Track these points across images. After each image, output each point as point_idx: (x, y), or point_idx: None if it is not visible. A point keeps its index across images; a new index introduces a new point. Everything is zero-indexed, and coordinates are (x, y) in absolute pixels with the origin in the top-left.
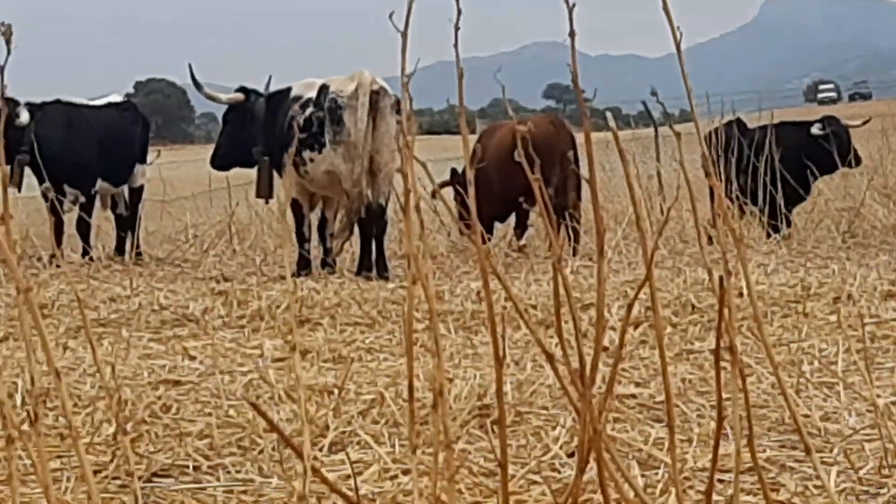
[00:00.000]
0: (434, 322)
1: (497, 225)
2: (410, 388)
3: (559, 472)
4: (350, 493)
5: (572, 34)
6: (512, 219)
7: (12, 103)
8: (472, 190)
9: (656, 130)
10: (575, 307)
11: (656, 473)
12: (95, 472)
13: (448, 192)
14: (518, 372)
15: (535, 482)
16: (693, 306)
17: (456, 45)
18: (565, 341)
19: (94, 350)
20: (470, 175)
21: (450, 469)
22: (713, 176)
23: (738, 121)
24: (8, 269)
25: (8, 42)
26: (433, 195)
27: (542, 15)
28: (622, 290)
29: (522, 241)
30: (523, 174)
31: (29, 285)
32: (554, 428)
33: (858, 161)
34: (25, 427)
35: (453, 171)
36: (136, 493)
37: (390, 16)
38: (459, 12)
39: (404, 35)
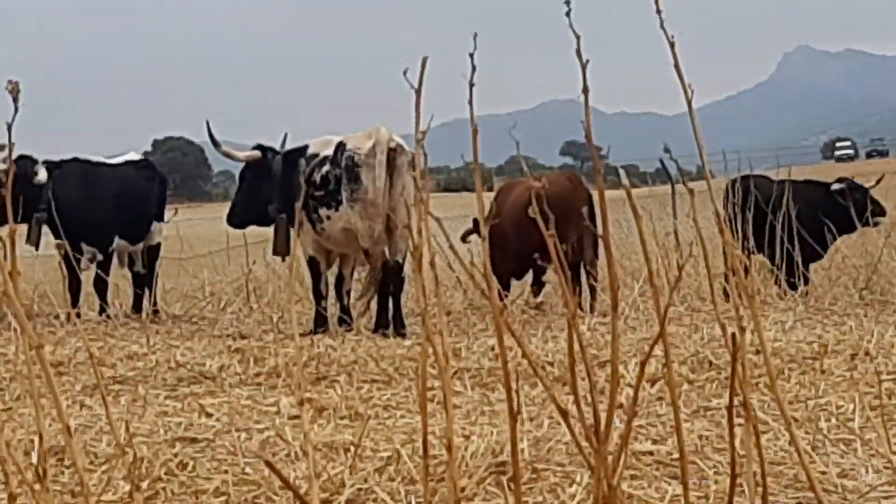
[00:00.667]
0: (444, 378)
1: (514, 282)
2: (425, 444)
3: None
4: None
5: (586, 90)
6: (529, 276)
7: (30, 161)
8: (486, 246)
9: (673, 187)
10: (590, 364)
11: None
12: None
13: (468, 245)
14: (535, 429)
15: None
16: (710, 363)
17: (471, 102)
18: (581, 398)
19: (108, 407)
20: (484, 232)
21: None
22: (726, 232)
23: (752, 177)
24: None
25: (15, 100)
26: (463, 238)
27: (560, 72)
28: (639, 346)
29: (539, 298)
30: (539, 231)
31: (40, 342)
32: (570, 485)
33: (883, 213)
34: (35, 485)
35: (475, 220)
36: None
37: (405, 73)
38: (474, 69)
39: (418, 92)
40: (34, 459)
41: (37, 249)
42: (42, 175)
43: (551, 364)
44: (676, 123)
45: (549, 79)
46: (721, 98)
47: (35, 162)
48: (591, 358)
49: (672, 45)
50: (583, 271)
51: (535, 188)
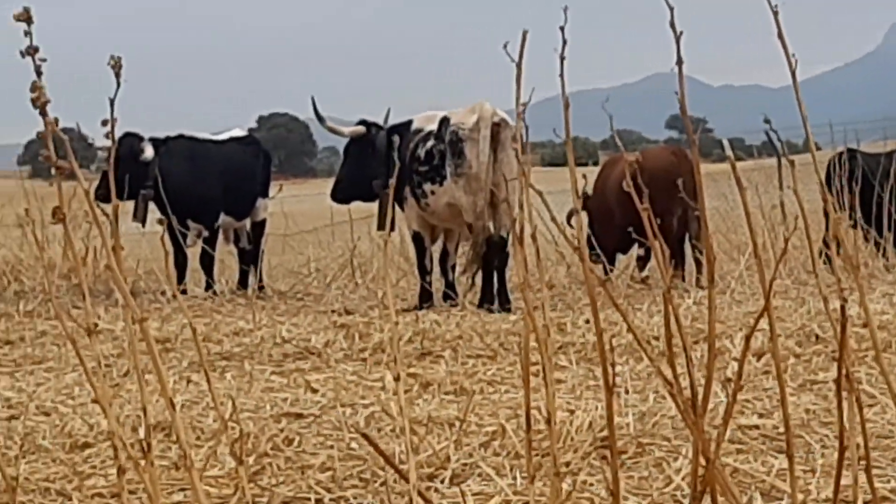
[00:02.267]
0: (543, 351)
1: (619, 256)
2: (528, 419)
3: None
4: None
5: (680, 63)
6: (634, 250)
7: (136, 138)
8: (579, 219)
9: (780, 160)
10: (691, 337)
11: None
12: None
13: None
14: (640, 403)
15: None
16: (817, 337)
17: (562, 76)
18: (683, 371)
19: (211, 383)
20: (579, 206)
21: (559, 499)
22: (828, 203)
23: (855, 150)
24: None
25: (118, 76)
26: (569, 219)
27: (665, 45)
28: (745, 320)
29: (644, 273)
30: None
31: (143, 316)
32: (676, 459)
33: None
34: (141, 460)
35: (585, 194)
36: None
37: (504, 46)
38: (565, 42)
39: (519, 65)
40: (141, 435)
41: (143, 226)
42: (148, 152)
43: (656, 338)
44: (783, 96)
45: (655, 52)
46: (829, 69)
47: (141, 139)
48: (695, 332)
49: (776, 14)
50: (688, 245)
51: (631, 162)
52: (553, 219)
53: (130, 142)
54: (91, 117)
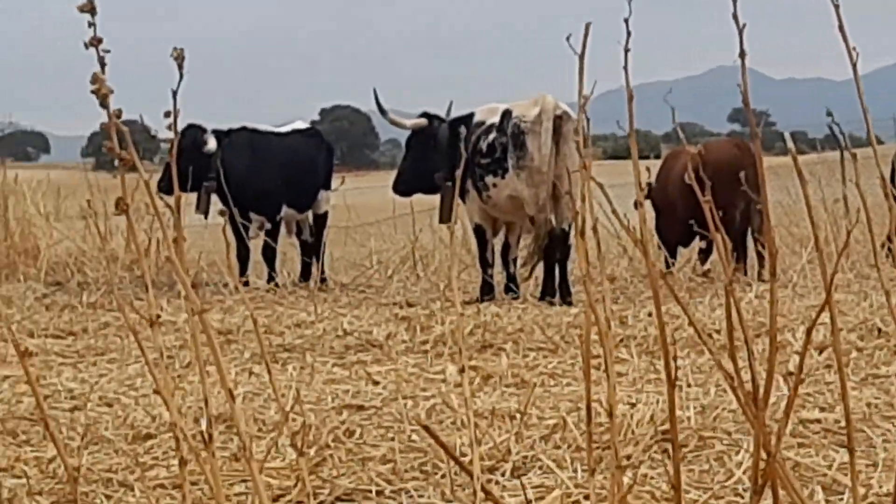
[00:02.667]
0: (605, 345)
1: (681, 249)
2: (588, 412)
3: (741, 498)
4: None
5: (742, 55)
6: (696, 243)
7: (200, 131)
8: (642, 213)
9: (842, 153)
10: (752, 331)
11: (840, 499)
12: (279, 497)
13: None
14: (701, 396)
15: None
16: (879, 330)
17: (626, 68)
18: (744, 365)
19: (271, 375)
20: (641, 199)
21: (620, 492)
22: (890, 197)
23: None
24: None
25: (180, 68)
26: (636, 206)
27: (728, 38)
28: (806, 314)
29: (706, 266)
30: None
31: (203, 307)
32: (737, 453)
33: None
34: (202, 451)
35: (649, 185)
36: None
37: (567, 38)
38: (629, 34)
39: (581, 58)
40: (203, 426)
41: (206, 218)
42: (211, 144)
43: (717, 332)
44: (846, 89)
45: (718, 44)
46: (894, 63)
47: (204, 131)
48: (756, 325)
49: (836, 6)
50: (750, 238)
51: (694, 155)
52: (614, 212)
53: (194, 134)
54: (155, 108)
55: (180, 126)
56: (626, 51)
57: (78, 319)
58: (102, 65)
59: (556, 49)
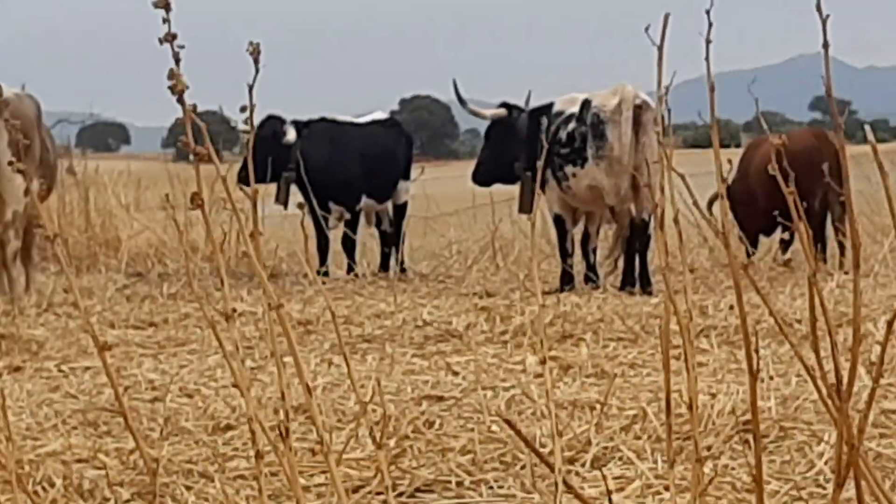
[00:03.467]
0: (685, 335)
1: (762, 239)
2: (668, 403)
3: (823, 489)
4: None
5: (826, 45)
6: (777, 233)
7: (279, 121)
8: (723, 204)
9: None
10: (831, 321)
11: None
12: (359, 488)
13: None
14: (783, 386)
15: (799, 499)
16: None
17: (707, 58)
18: (826, 355)
19: (350, 366)
20: (721, 189)
21: (700, 484)
22: None
23: None
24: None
25: (256, 61)
26: (709, 205)
27: (809, 26)
28: (888, 303)
29: (787, 255)
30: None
31: (280, 302)
32: (818, 443)
33: None
34: (279, 444)
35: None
36: None
37: (646, 29)
38: (710, 25)
39: (660, 48)
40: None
41: (285, 209)
42: (291, 135)
43: (798, 321)
44: None
45: (798, 33)
46: None
47: (284, 122)
48: (838, 315)
49: None
50: (831, 228)
51: (776, 145)
52: (695, 202)
53: (273, 125)
54: (238, 96)
55: (259, 117)
56: (708, 42)
57: (158, 310)
58: (177, 60)
59: (636, 39)
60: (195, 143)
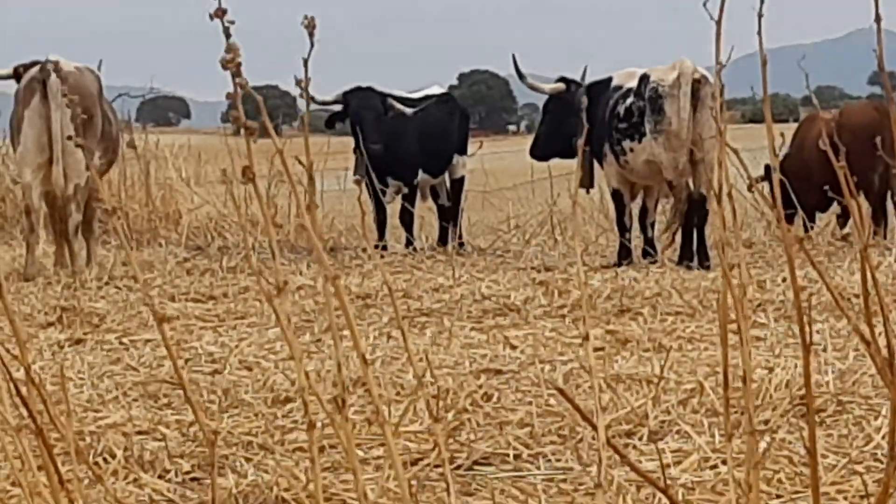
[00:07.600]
0: (739, 310)
1: (820, 214)
2: (725, 377)
3: (880, 463)
4: (660, 482)
5: (878, 19)
6: (835, 207)
7: (377, 95)
8: (776, 178)
9: None
10: (883, 295)
11: None
12: (417, 460)
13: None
14: (839, 361)
15: (855, 472)
16: None
17: (759, 33)
18: (883, 330)
19: (406, 339)
20: (775, 164)
21: (754, 457)
22: None
23: None
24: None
25: (311, 35)
26: (749, 188)
27: (869, 1)
28: None
29: (846, 230)
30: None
31: (336, 274)
32: (876, 418)
33: None
34: (335, 415)
35: (767, 167)
36: (447, 481)
37: (704, 4)
38: (762, 1)
39: (718, 23)
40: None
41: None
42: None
43: (857, 296)
44: None
45: (858, 7)
46: None
47: (384, 96)
48: (886, 289)
49: None
50: (890, 202)
51: (828, 120)
52: (749, 178)
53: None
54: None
55: (332, 91)
56: (760, 16)
57: (218, 284)
58: (227, 35)
59: (695, 13)
60: (250, 118)
